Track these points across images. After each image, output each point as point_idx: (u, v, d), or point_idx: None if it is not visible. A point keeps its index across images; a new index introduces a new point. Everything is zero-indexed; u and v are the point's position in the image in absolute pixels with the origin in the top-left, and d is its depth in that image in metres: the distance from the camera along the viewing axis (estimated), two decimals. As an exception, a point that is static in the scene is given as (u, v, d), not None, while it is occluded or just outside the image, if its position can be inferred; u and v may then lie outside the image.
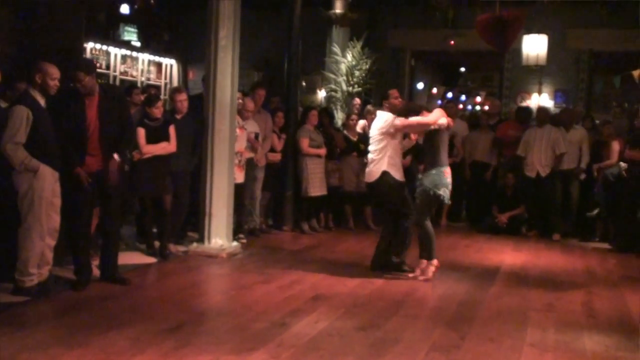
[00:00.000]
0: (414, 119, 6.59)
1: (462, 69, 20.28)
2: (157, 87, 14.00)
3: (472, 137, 10.40)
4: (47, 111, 5.37)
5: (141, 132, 6.77)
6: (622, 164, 8.98)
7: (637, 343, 4.92)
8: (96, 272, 5.92)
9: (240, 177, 7.87)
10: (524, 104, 13.38)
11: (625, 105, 15.67)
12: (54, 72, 5.34)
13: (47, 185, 5.28)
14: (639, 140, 8.68)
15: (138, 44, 14.30)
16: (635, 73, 12.53)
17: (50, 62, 5.37)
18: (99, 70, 12.63)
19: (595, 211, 9.35)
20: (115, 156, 5.69)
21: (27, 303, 5.16)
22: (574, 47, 13.51)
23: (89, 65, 5.88)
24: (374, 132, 6.78)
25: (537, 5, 10.95)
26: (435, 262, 6.57)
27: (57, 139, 5.43)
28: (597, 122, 11.03)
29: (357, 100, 10.86)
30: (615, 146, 9.23)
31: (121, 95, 6.31)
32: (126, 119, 5.92)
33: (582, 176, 9.62)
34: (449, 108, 10.04)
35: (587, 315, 5.67)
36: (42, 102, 5.33)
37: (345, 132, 9.65)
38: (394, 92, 6.88)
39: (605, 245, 9.09)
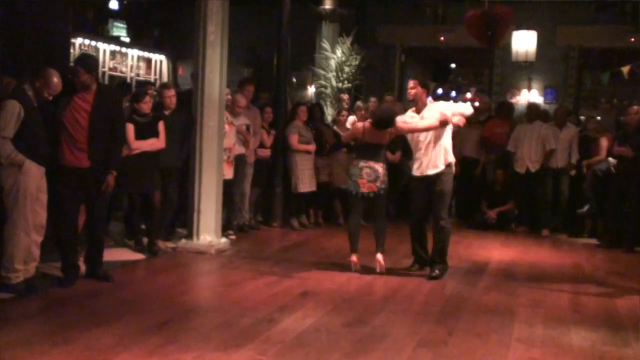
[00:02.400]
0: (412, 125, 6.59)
1: (453, 65, 20.28)
2: (152, 84, 13.91)
3: (461, 133, 10.39)
4: (38, 108, 5.33)
5: (130, 128, 6.72)
6: (611, 160, 9.01)
7: (623, 338, 4.94)
8: (83, 268, 5.89)
9: (229, 173, 7.86)
10: (514, 100, 13.41)
11: (614, 102, 15.75)
12: (55, 87, 5.31)
13: (32, 180, 5.24)
14: (627, 136, 8.70)
15: (127, 40, 14.24)
16: (624, 69, 12.61)
17: (56, 72, 5.32)
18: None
19: (586, 207, 9.37)
20: (114, 173, 5.73)
21: (12, 300, 5.12)
22: (563, 44, 13.55)
23: (90, 64, 5.76)
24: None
25: (526, 1, 10.95)
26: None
27: (48, 132, 5.41)
28: (582, 118, 11.06)
29: (346, 96, 10.85)
30: (604, 142, 9.26)
31: (117, 98, 6.20)
32: (118, 123, 5.85)
33: (572, 172, 9.65)
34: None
35: (574, 310, 5.70)
36: (34, 99, 5.29)
37: (335, 128, 9.64)
38: (409, 83, 6.83)
39: (594, 241, 9.12)
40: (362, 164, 6.58)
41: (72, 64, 5.69)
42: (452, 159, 6.65)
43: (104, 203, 5.94)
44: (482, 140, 10.20)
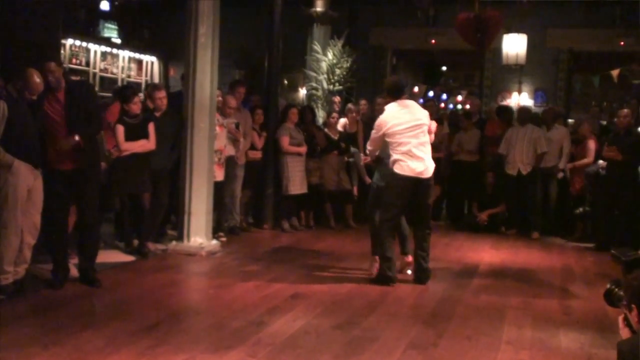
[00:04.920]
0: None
1: (444, 68, 20.32)
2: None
3: (460, 137, 10.39)
4: (27, 108, 5.31)
5: (120, 130, 6.72)
6: (601, 162, 9.05)
7: (612, 340, 4.95)
8: (74, 271, 5.87)
9: (220, 175, 7.85)
10: (505, 103, 13.45)
11: (604, 105, 15.83)
12: (36, 86, 5.27)
13: (22, 181, 5.22)
14: (617, 138, 8.74)
15: (118, 41, 14.20)
16: (614, 73, 12.69)
17: (36, 71, 5.27)
18: (78, 67, 12.55)
19: (580, 209, 9.39)
20: (77, 138, 5.46)
21: (1, 302, 5.10)
22: (554, 47, 13.59)
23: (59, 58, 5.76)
24: (425, 121, 6.40)
25: (517, 5, 11.00)
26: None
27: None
28: (570, 121, 11.11)
29: (337, 99, 10.86)
30: (592, 145, 9.31)
31: (88, 90, 6.12)
32: (94, 111, 5.74)
33: (560, 175, 9.70)
34: (429, 107, 10.09)
35: (563, 312, 5.73)
36: (20, 99, 5.27)
37: (326, 130, 9.65)
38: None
39: (584, 244, 9.13)
40: None
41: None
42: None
43: (95, 205, 5.90)
44: (484, 140, 10.24)
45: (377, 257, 6.53)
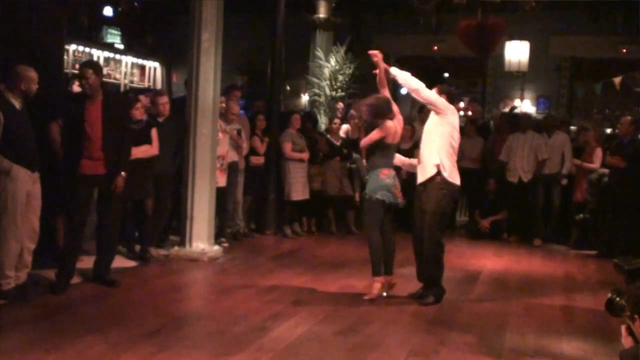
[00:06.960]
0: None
1: (446, 75, 20.33)
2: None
3: (464, 144, 10.33)
4: (24, 113, 5.31)
5: (123, 136, 6.74)
6: (604, 170, 9.04)
7: (615, 348, 4.94)
8: (76, 277, 5.89)
9: (222, 181, 7.85)
10: (507, 109, 13.46)
11: (606, 112, 15.82)
12: (35, 75, 5.31)
13: (21, 186, 5.23)
14: (621, 146, 8.74)
15: (121, 47, 14.23)
16: (616, 80, 12.68)
17: (26, 65, 5.31)
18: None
19: (580, 215, 9.38)
20: (123, 174, 5.80)
21: (4, 306, 5.10)
22: (556, 54, 13.62)
23: (97, 66, 6.04)
24: None
25: (519, 12, 11.01)
26: (380, 279, 6.03)
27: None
28: (573, 128, 11.10)
29: (341, 105, 10.87)
30: (599, 152, 9.29)
31: (124, 103, 6.38)
32: (126, 128, 5.99)
33: (564, 181, 9.69)
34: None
35: (565, 320, 5.72)
36: (16, 104, 5.25)
37: (328, 136, 9.66)
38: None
39: (586, 251, 9.12)
40: (392, 172, 6.00)
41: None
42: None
43: (118, 209, 6.05)
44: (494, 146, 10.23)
45: (378, 278, 6.00)
